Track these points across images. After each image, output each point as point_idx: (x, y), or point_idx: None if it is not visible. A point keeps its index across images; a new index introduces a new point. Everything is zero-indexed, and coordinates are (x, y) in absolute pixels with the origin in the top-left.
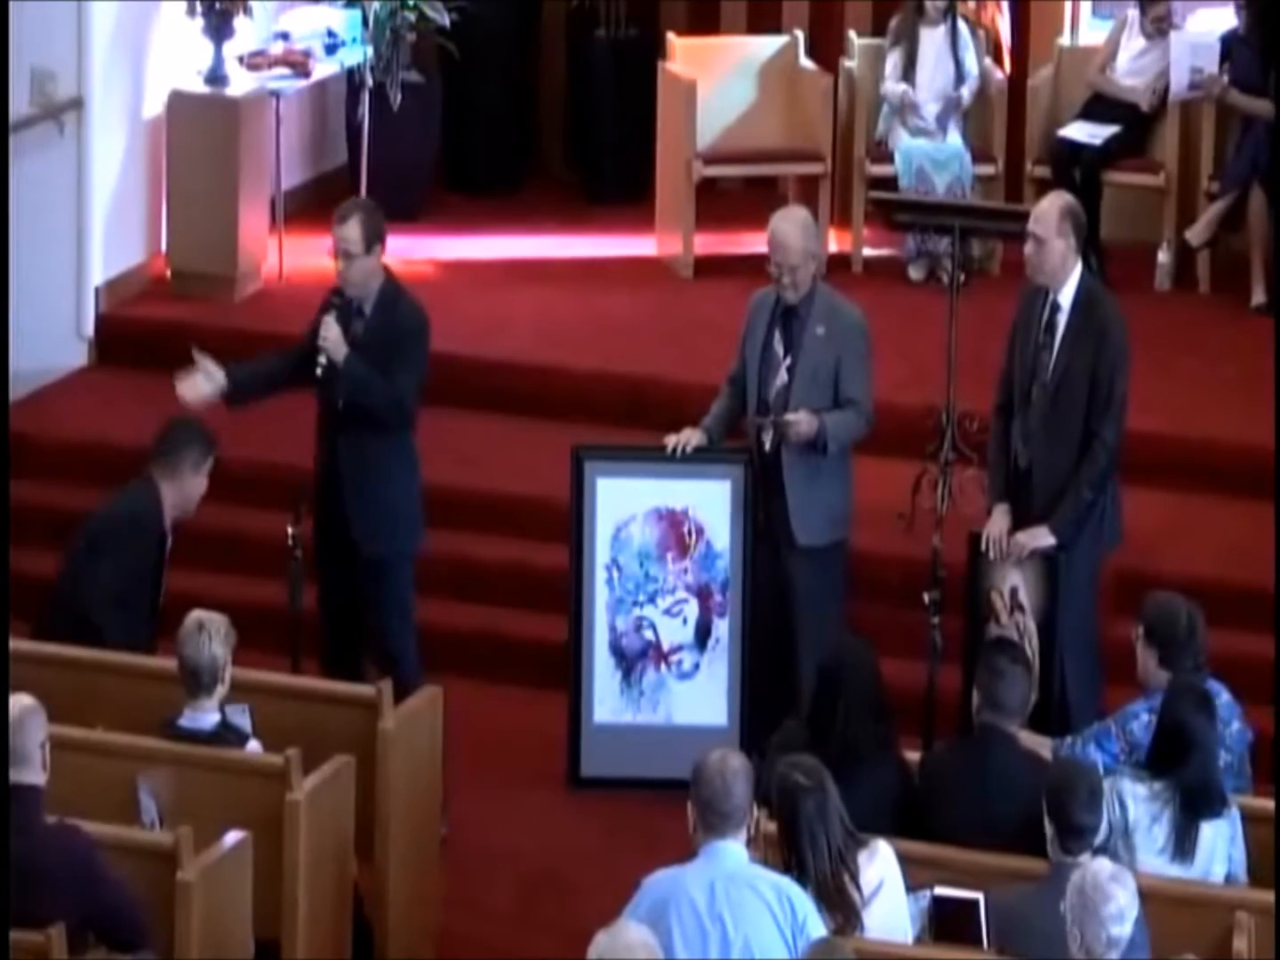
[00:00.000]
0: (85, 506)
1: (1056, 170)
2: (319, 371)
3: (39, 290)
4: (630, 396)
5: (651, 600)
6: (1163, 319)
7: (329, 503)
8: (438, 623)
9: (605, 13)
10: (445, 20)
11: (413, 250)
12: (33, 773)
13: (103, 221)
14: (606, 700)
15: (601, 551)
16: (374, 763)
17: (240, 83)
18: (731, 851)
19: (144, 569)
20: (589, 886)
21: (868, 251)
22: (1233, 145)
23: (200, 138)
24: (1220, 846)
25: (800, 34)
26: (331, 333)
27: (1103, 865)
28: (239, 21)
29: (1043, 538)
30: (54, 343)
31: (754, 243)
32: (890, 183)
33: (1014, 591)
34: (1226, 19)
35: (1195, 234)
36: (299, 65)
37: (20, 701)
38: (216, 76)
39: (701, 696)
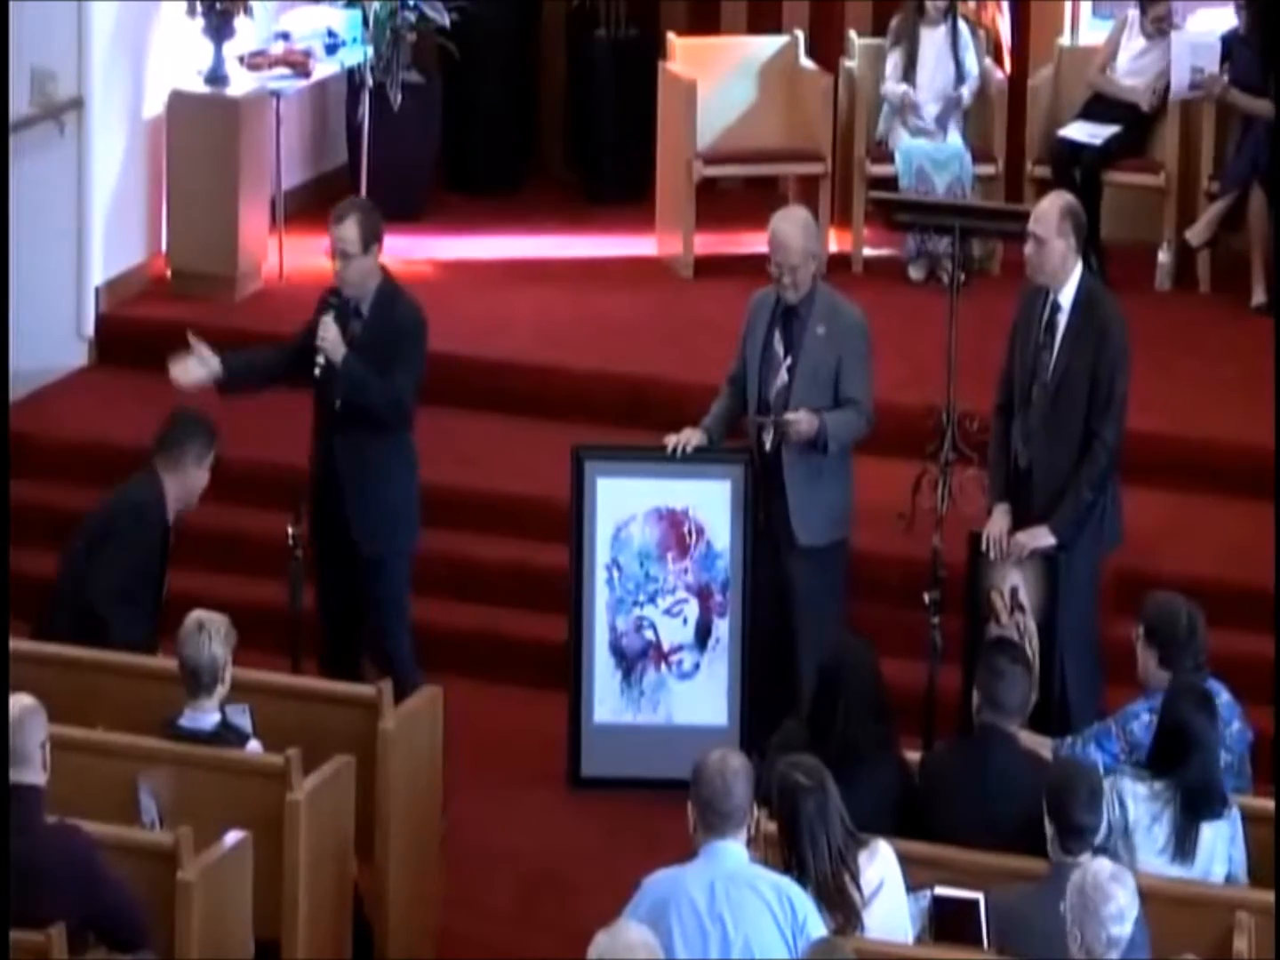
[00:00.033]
0: (85, 506)
1: (1056, 170)
2: (317, 372)
3: (39, 290)
4: (630, 396)
5: (652, 600)
6: (1163, 319)
7: (327, 502)
8: (438, 623)
9: (605, 13)
10: (445, 20)
11: (413, 250)
12: (33, 773)
13: (103, 221)
14: (606, 700)
15: (602, 551)
16: (374, 763)
17: (240, 83)
18: (732, 851)
19: (148, 562)
20: (589, 886)
21: (868, 251)
22: (1233, 145)
23: (200, 138)
24: (1220, 847)
25: (800, 34)
26: (330, 333)
27: (1103, 865)
28: (239, 21)
29: (1043, 538)
30: (54, 343)
31: (754, 243)
32: (890, 183)
33: (1014, 591)
34: (1226, 19)
35: (1195, 234)
36: (299, 65)
37: (20, 701)
38: (217, 76)
39: (701, 696)
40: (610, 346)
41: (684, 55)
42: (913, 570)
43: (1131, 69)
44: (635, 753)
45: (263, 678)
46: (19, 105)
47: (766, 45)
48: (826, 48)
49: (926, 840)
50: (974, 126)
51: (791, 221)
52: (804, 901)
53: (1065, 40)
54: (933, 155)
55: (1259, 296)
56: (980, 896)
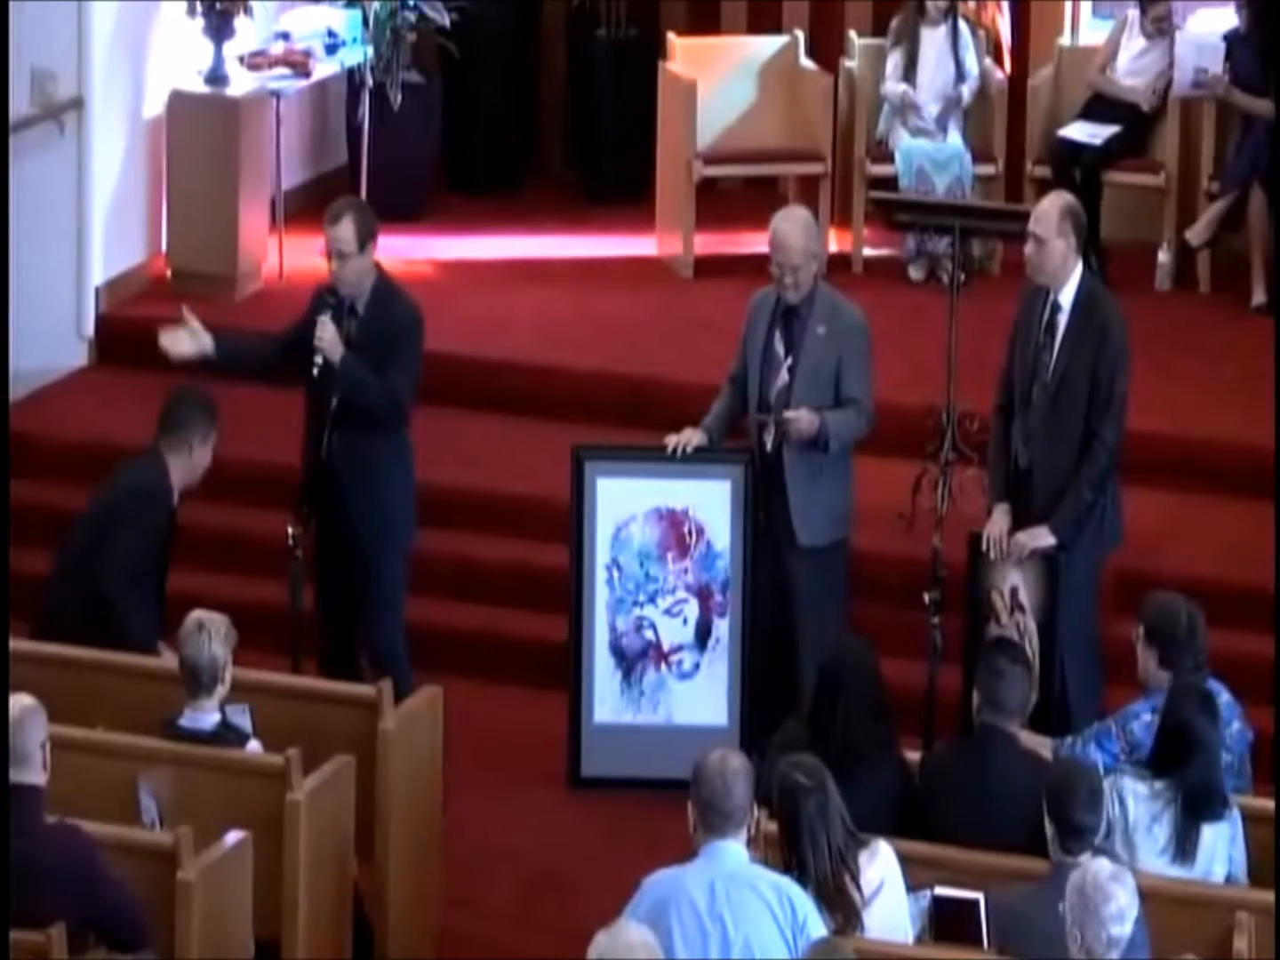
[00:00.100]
0: (85, 507)
1: (1056, 170)
2: (314, 372)
3: (39, 290)
4: (630, 396)
5: (652, 600)
6: (1163, 319)
7: (324, 501)
8: (438, 623)
9: (605, 13)
10: (445, 20)
11: (413, 250)
12: (33, 773)
13: (103, 221)
14: (606, 700)
15: (602, 551)
16: (374, 763)
17: (240, 83)
18: (732, 851)
19: (156, 545)
20: (589, 886)
21: (868, 251)
22: (1233, 145)
23: (200, 138)
24: (1220, 847)
25: (800, 34)
26: (327, 333)
27: (1103, 865)
28: (239, 21)
29: (1043, 538)
30: (54, 343)
31: (754, 243)
32: (890, 183)
33: (1014, 591)
34: (1227, 19)
35: (1195, 234)
36: (299, 65)
37: (20, 701)
38: (217, 76)
39: (701, 696)
40: (610, 346)
41: (684, 55)
42: (913, 570)
43: (1131, 69)
44: (635, 753)
45: (263, 678)
46: (19, 105)
47: (766, 45)
48: (826, 48)
49: (926, 840)
50: (974, 126)
51: (792, 221)
52: (804, 901)
53: (1065, 40)
54: (933, 155)
55: (1259, 296)
56: (980, 896)
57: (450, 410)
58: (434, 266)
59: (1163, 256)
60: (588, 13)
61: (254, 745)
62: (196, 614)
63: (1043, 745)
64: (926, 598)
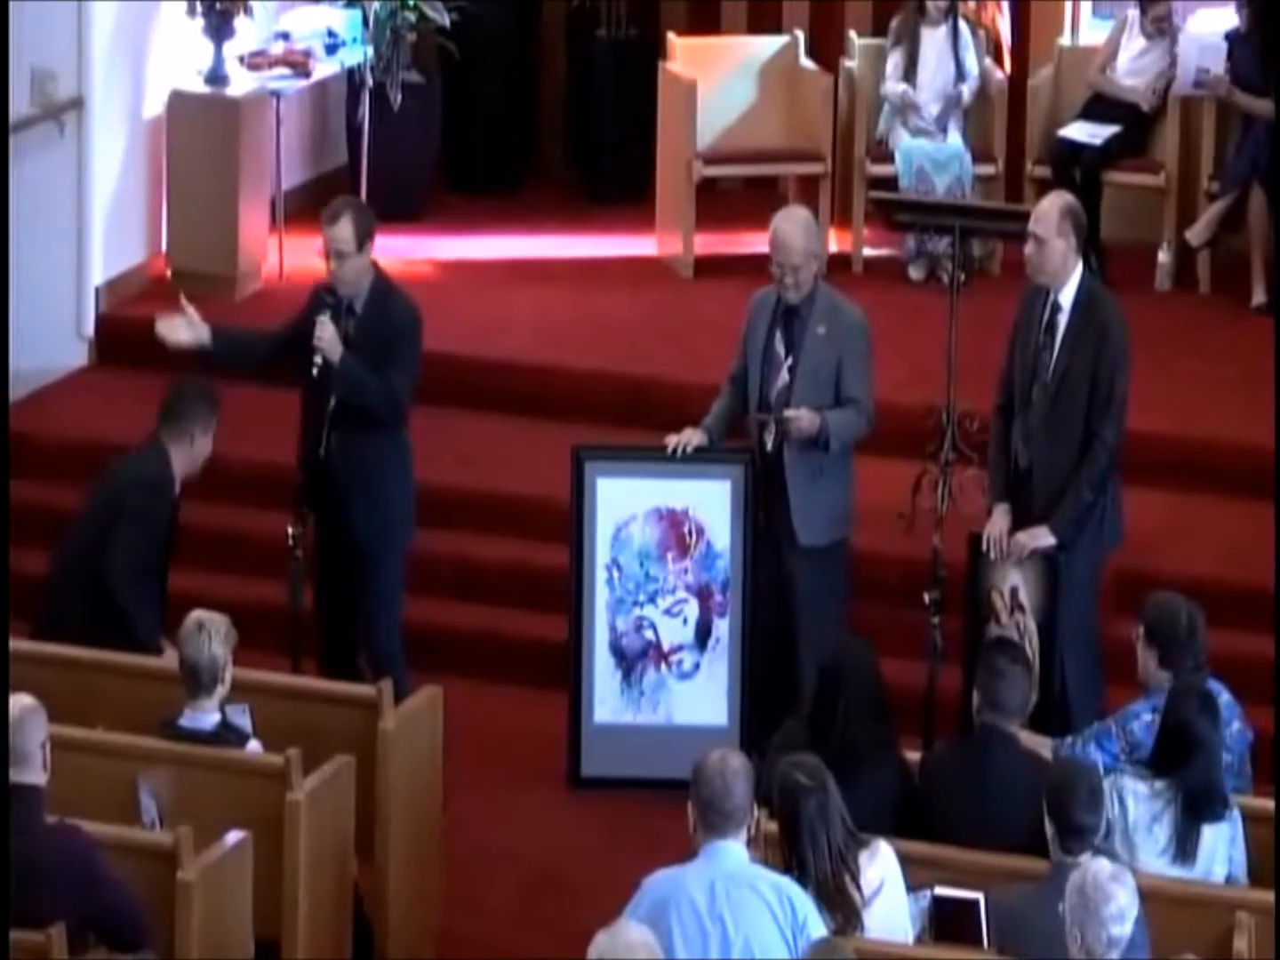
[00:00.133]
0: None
1: (1056, 170)
2: (314, 372)
3: (39, 290)
4: (630, 396)
5: (652, 600)
6: (1163, 319)
7: (323, 501)
8: (438, 623)
9: (605, 13)
10: (445, 20)
11: (413, 250)
12: (33, 773)
13: (103, 221)
14: (606, 700)
15: (602, 551)
16: (374, 763)
17: (240, 83)
18: (732, 851)
19: (160, 536)
20: (589, 886)
21: (868, 251)
22: (1233, 145)
23: (200, 138)
24: (1221, 848)
25: (800, 34)
26: (327, 332)
27: (1103, 865)
28: (239, 21)
29: (1043, 538)
30: (54, 343)
31: (754, 243)
32: (890, 183)
33: (1014, 591)
34: (1227, 19)
35: (1195, 234)
36: (299, 65)
37: (20, 701)
38: (217, 76)
39: (701, 696)
40: (610, 346)
41: (684, 55)
42: (913, 570)
43: (1131, 69)
44: (635, 753)
45: (263, 678)
46: (19, 105)
47: (766, 45)
48: (826, 48)
49: (926, 840)
50: (974, 126)
51: (793, 221)
52: (804, 901)
53: (1065, 40)
54: (933, 155)
55: (1259, 296)
56: (980, 896)
57: (450, 410)
58: (434, 266)
59: (1163, 256)
60: (588, 13)
61: (254, 745)
62: (196, 614)
63: (1043, 745)
64: (926, 598)
